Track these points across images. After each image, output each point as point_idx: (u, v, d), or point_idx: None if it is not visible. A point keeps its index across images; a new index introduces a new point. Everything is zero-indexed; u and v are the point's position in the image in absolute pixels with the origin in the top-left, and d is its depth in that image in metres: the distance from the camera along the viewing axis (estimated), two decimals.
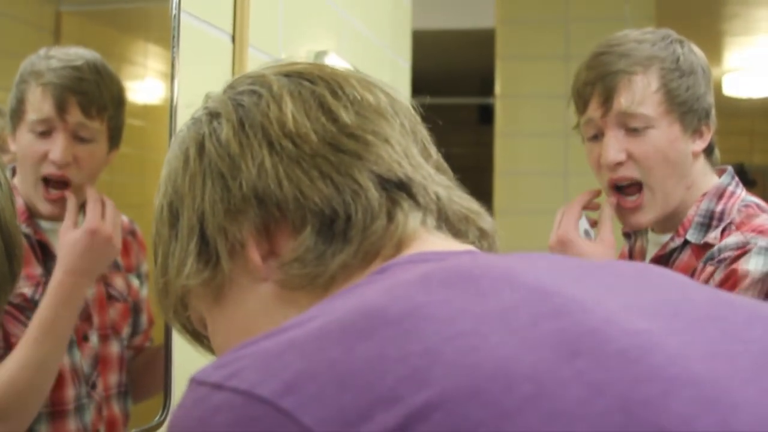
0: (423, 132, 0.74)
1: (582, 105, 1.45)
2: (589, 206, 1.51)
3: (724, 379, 0.48)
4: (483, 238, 0.72)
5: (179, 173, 0.71)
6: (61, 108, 1.11)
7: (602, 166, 1.43)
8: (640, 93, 1.39)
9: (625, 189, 1.44)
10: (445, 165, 0.74)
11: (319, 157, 0.66)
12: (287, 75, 0.72)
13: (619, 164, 1.41)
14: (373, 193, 0.65)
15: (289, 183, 0.66)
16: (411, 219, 0.66)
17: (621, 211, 1.45)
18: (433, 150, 0.73)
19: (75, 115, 1.13)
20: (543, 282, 0.55)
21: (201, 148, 0.70)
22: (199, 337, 0.77)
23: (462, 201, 0.71)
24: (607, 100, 1.40)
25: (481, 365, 0.47)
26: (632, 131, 1.40)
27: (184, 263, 0.69)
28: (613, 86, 1.40)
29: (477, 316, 0.51)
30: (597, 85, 1.42)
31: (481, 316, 0.51)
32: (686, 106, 1.41)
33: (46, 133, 1.11)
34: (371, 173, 0.66)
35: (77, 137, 1.13)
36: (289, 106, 0.68)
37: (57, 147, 1.11)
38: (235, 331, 0.69)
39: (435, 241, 0.67)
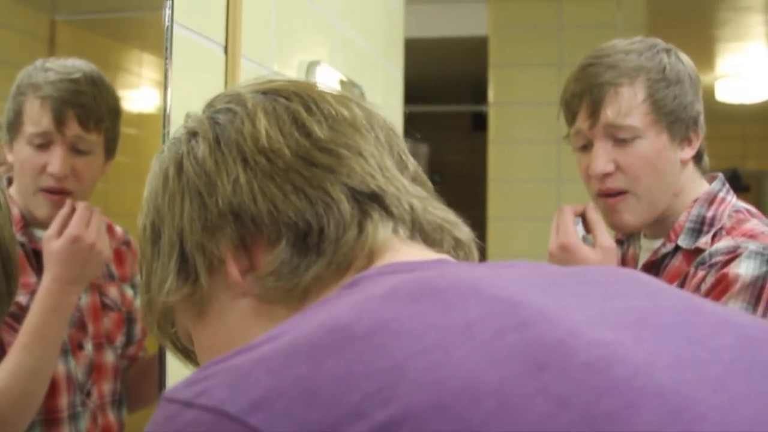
0: (400, 144, 0.74)
1: (570, 116, 1.46)
2: (577, 213, 1.52)
3: (690, 388, 0.48)
4: (459, 248, 0.72)
5: (159, 192, 0.72)
6: (59, 121, 1.12)
7: (591, 176, 1.44)
8: (627, 104, 1.40)
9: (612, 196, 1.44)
10: (423, 176, 0.75)
11: (292, 172, 0.67)
12: (263, 92, 0.73)
13: (608, 175, 1.42)
14: (345, 206, 0.66)
15: (263, 198, 0.66)
16: (381, 229, 0.66)
17: (607, 212, 1.45)
18: (410, 162, 0.74)
19: (73, 128, 1.13)
20: (510, 293, 0.55)
21: (179, 167, 0.70)
22: (187, 353, 0.78)
23: (437, 211, 0.71)
24: (595, 112, 1.41)
25: (445, 380, 0.47)
26: (620, 142, 1.41)
27: (165, 280, 0.70)
28: (599, 98, 1.41)
29: (442, 330, 0.51)
30: (584, 97, 1.42)
31: (447, 330, 0.51)
32: (673, 115, 1.41)
33: (44, 146, 1.12)
34: (344, 186, 0.67)
35: (75, 149, 1.14)
36: (262, 123, 0.69)
37: (55, 160, 1.12)
38: (219, 345, 0.70)
39: (408, 251, 0.67)
